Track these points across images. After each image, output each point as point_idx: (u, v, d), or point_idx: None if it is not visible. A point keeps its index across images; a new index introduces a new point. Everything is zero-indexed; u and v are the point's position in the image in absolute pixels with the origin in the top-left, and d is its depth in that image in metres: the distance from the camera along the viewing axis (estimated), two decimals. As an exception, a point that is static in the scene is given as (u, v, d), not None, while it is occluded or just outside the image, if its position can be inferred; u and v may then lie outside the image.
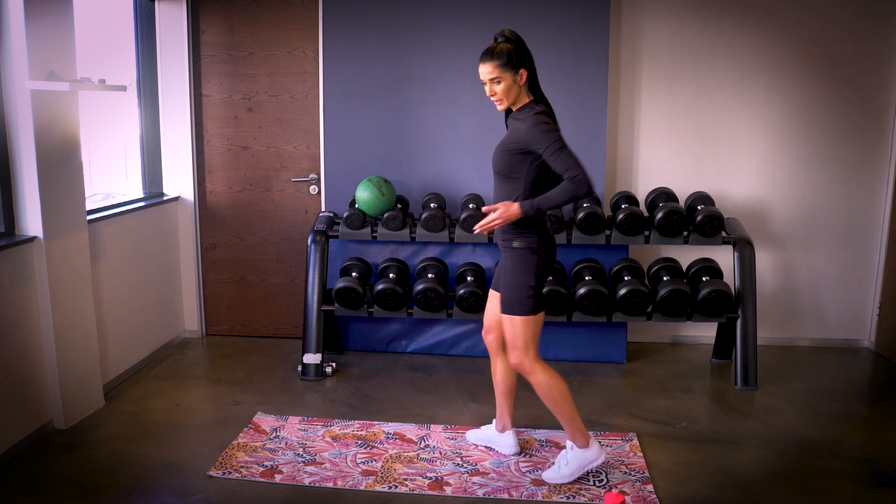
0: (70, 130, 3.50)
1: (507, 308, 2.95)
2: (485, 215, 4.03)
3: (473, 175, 4.58)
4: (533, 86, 2.90)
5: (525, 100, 2.90)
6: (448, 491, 3.00)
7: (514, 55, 2.81)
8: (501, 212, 2.83)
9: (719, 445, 3.42)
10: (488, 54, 2.84)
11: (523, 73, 2.84)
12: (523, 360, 2.97)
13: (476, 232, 2.90)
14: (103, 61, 4.42)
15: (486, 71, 2.84)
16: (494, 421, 3.38)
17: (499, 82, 2.84)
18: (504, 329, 3.01)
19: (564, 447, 3.29)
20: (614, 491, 2.87)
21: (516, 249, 2.93)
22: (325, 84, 4.58)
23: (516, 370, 3.08)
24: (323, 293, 4.24)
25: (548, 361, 4.30)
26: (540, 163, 2.86)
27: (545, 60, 4.45)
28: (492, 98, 2.90)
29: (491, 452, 3.33)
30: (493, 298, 3.18)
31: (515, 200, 2.88)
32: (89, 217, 3.79)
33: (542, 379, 2.98)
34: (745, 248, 4.16)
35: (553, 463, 3.17)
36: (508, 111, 3.01)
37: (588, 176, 2.76)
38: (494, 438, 3.35)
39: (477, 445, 3.40)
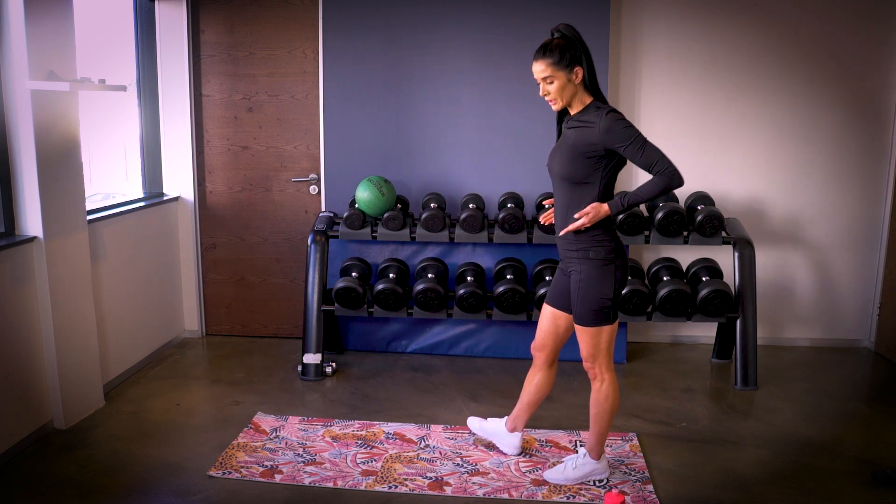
0: (70, 130, 3.50)
1: (585, 320, 2.85)
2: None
3: (473, 175, 4.59)
4: (592, 84, 2.75)
5: (586, 100, 2.76)
6: (448, 491, 3.00)
7: (567, 52, 2.68)
8: (592, 214, 2.73)
9: (719, 445, 3.42)
10: (542, 51, 2.72)
11: (579, 71, 2.70)
12: (598, 367, 2.94)
13: (562, 234, 2.81)
14: (103, 61, 4.42)
15: (539, 69, 2.71)
16: (506, 418, 3.34)
17: (552, 81, 2.71)
18: (580, 339, 2.93)
19: (570, 449, 3.31)
20: (614, 491, 2.86)
21: (593, 260, 2.79)
22: (325, 84, 4.58)
23: (588, 372, 3.00)
24: (323, 293, 4.24)
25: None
26: (614, 164, 2.76)
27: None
28: (545, 98, 2.77)
29: (491, 452, 3.33)
30: (550, 317, 3.05)
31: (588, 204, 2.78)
32: (89, 217, 3.79)
33: (606, 390, 2.97)
34: (745, 248, 4.16)
35: (557, 463, 3.17)
36: (563, 113, 2.88)
37: (677, 168, 2.69)
38: (500, 434, 3.31)
39: (476, 446, 3.39)
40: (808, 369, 4.46)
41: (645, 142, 2.68)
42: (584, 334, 2.89)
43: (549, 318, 3.06)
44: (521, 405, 3.25)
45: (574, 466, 3.06)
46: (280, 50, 4.65)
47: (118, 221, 4.13)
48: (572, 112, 2.81)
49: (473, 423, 3.41)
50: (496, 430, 3.34)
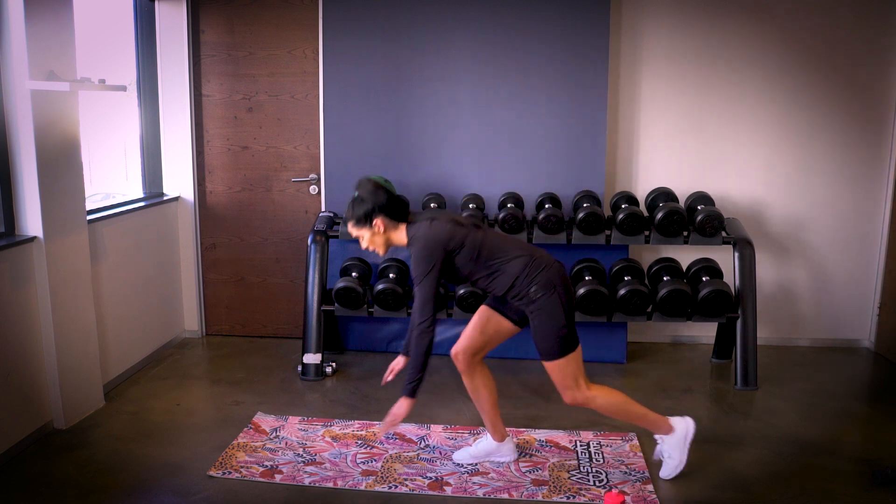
0: (70, 130, 3.50)
1: (552, 354, 2.88)
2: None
3: (473, 175, 4.59)
4: (401, 216, 2.88)
5: (403, 237, 2.90)
6: (448, 491, 3.00)
7: (361, 212, 2.85)
8: (396, 415, 2.89)
9: (719, 445, 3.42)
10: (346, 215, 2.93)
11: (378, 223, 2.85)
12: (578, 395, 2.94)
13: (383, 432, 3.01)
14: (103, 61, 4.42)
15: (349, 231, 2.93)
16: (487, 435, 3.27)
17: (363, 237, 2.91)
18: (552, 375, 2.94)
19: (570, 449, 3.30)
20: (614, 491, 2.87)
21: (537, 300, 2.83)
22: (325, 84, 4.58)
23: (575, 405, 3.01)
24: (323, 293, 4.24)
25: (548, 361, 4.33)
26: (443, 267, 2.83)
27: (545, 60, 4.47)
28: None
29: (491, 452, 3.33)
30: (486, 319, 3.09)
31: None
32: (89, 217, 3.79)
33: (602, 403, 2.98)
34: (745, 248, 4.16)
35: (660, 459, 3.17)
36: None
37: (429, 325, 2.78)
38: (492, 450, 3.25)
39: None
40: (808, 369, 4.46)
41: (421, 281, 2.80)
42: (555, 369, 2.91)
43: (493, 323, 3.09)
44: (487, 414, 3.21)
45: (669, 455, 3.09)
46: (280, 50, 4.65)
47: (118, 221, 4.13)
48: (405, 246, 2.92)
49: (462, 456, 3.27)
50: (487, 448, 3.26)
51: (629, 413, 3.03)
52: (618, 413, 3.04)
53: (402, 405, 2.89)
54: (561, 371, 2.90)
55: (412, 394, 2.87)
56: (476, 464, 3.22)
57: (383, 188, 2.86)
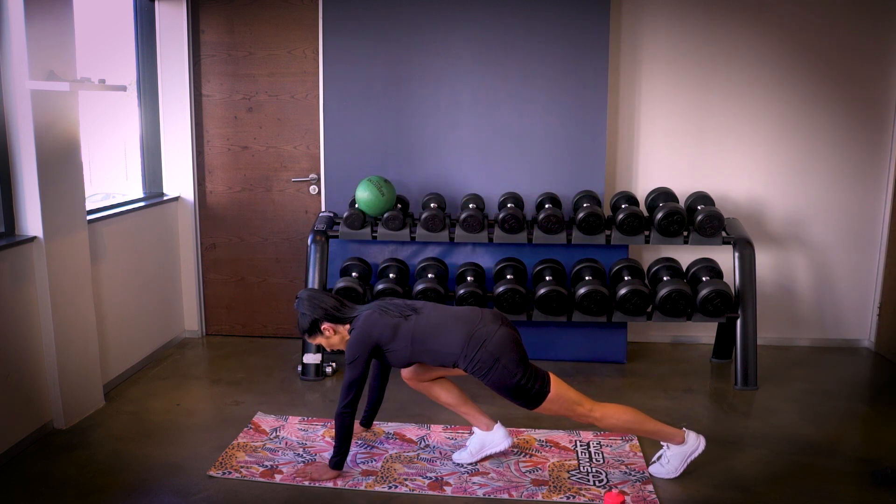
0: (70, 130, 3.50)
1: (530, 405, 2.93)
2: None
3: (473, 175, 4.59)
4: (343, 318, 3.09)
5: (346, 335, 3.11)
6: (448, 491, 3.00)
7: (308, 324, 3.09)
8: (313, 476, 3.06)
9: (719, 445, 3.42)
10: (300, 330, 3.17)
11: (326, 328, 3.09)
12: (582, 413, 2.96)
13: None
14: (103, 61, 4.42)
15: (308, 339, 3.17)
16: (475, 429, 3.28)
17: (320, 342, 3.15)
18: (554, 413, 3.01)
19: (570, 449, 3.31)
20: (614, 491, 2.87)
21: (485, 374, 2.90)
22: (325, 84, 4.58)
23: (584, 423, 3.08)
24: (323, 293, 4.23)
25: (548, 362, 4.35)
26: (378, 353, 3.04)
27: (546, 60, 4.47)
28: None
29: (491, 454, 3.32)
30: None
31: None
32: (89, 217, 3.79)
33: (609, 420, 2.99)
34: (745, 248, 4.16)
35: (659, 457, 3.18)
36: None
37: (348, 408, 2.98)
38: (485, 441, 3.26)
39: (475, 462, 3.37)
40: (808, 369, 4.46)
41: (349, 364, 2.98)
42: (546, 410, 2.94)
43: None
44: (460, 410, 3.27)
45: (667, 460, 3.11)
46: (280, 50, 4.65)
47: (118, 221, 4.13)
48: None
49: (462, 456, 3.26)
50: (479, 441, 3.26)
51: (643, 429, 3.06)
52: (630, 430, 3.07)
53: (323, 472, 3.07)
54: (553, 408, 2.94)
55: (338, 466, 3.07)
56: (476, 462, 3.22)
57: (319, 297, 3.11)
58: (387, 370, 3.38)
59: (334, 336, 3.12)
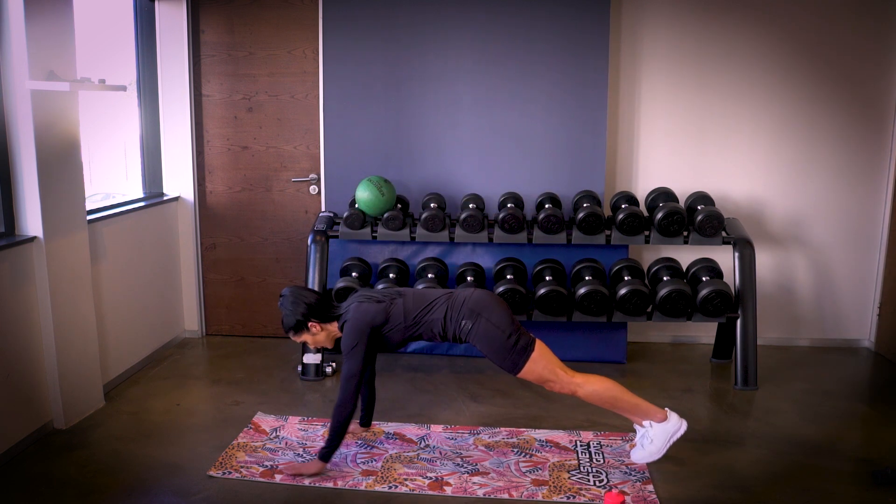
0: (70, 130, 3.50)
1: (512, 369, 3.01)
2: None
3: (473, 175, 4.59)
4: (329, 315, 3.14)
5: (335, 331, 3.16)
6: (448, 491, 3.00)
7: (295, 322, 3.10)
8: (301, 471, 3.07)
9: (719, 445, 3.42)
10: (284, 330, 3.18)
11: (312, 326, 3.12)
12: (560, 386, 3.01)
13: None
14: (103, 61, 4.42)
15: (294, 339, 3.19)
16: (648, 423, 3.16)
17: (305, 341, 3.17)
18: (528, 380, 3.06)
19: (570, 449, 3.30)
20: (614, 491, 2.87)
21: (469, 331, 3.01)
22: (325, 84, 4.58)
23: (563, 395, 3.10)
24: (323, 293, 4.24)
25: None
26: (370, 346, 3.09)
27: (546, 60, 4.47)
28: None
29: (491, 452, 3.33)
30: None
31: None
32: (89, 217, 3.79)
33: (588, 391, 3.02)
34: (745, 248, 4.16)
35: (635, 444, 3.18)
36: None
37: (348, 401, 3.00)
38: (664, 431, 3.11)
39: (476, 446, 3.39)
40: (808, 369, 4.46)
41: (348, 354, 3.03)
42: (525, 375, 3.01)
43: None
44: (625, 408, 3.17)
45: (650, 440, 3.10)
46: (280, 50, 4.65)
47: (118, 221, 4.13)
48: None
49: (640, 455, 3.17)
50: (656, 434, 3.14)
51: (618, 400, 3.06)
52: (606, 401, 3.06)
53: (312, 465, 3.08)
54: (532, 374, 2.99)
55: (325, 458, 3.07)
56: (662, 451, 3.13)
57: (303, 294, 3.10)
58: (372, 369, 3.42)
59: (321, 333, 3.15)
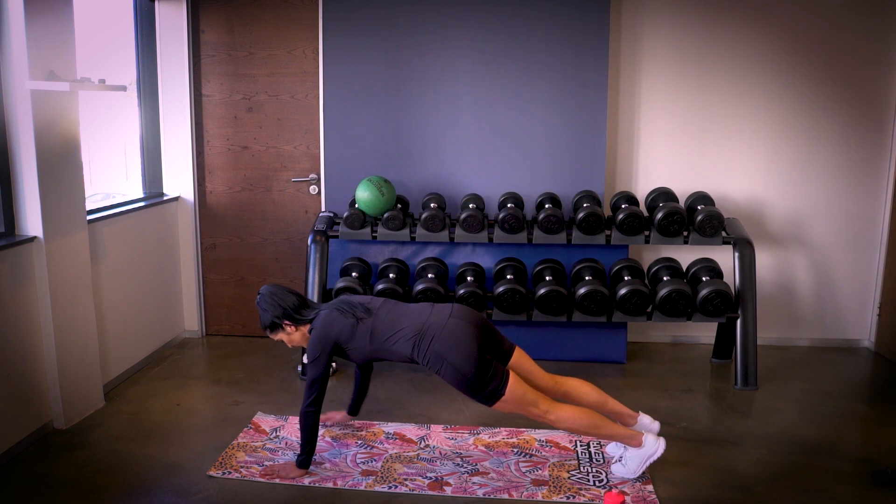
0: (70, 130, 3.50)
1: (486, 403, 2.94)
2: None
3: (473, 175, 4.59)
4: (303, 316, 3.12)
5: (307, 333, 3.15)
6: (448, 491, 3.00)
7: (270, 321, 3.12)
8: (281, 475, 3.07)
9: (719, 445, 3.42)
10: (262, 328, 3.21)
11: (286, 325, 3.13)
12: (536, 413, 2.96)
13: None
14: (103, 61, 4.42)
15: (270, 336, 3.21)
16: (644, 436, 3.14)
17: (281, 340, 3.18)
18: (510, 412, 3.04)
19: (570, 449, 3.32)
20: (614, 491, 2.87)
21: (437, 371, 2.93)
22: (325, 84, 4.58)
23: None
24: (323, 293, 4.24)
25: (548, 362, 4.34)
26: (338, 350, 3.11)
27: (545, 60, 4.47)
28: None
29: (491, 452, 3.33)
30: (516, 370, 3.09)
31: None
32: (89, 217, 3.79)
33: (565, 421, 2.97)
34: (745, 248, 4.16)
35: (619, 458, 3.19)
36: None
37: (313, 405, 3.02)
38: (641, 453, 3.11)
39: (476, 446, 3.39)
40: (808, 369, 4.46)
41: (310, 363, 3.04)
42: (502, 408, 2.96)
43: (517, 367, 3.15)
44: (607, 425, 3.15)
45: (624, 464, 3.12)
46: (280, 50, 4.65)
47: (118, 221, 4.13)
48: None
49: (621, 470, 3.16)
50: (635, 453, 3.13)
51: (599, 433, 3.05)
52: (587, 433, 3.05)
53: (290, 470, 3.09)
54: (510, 406, 2.95)
55: (304, 465, 3.09)
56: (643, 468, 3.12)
57: (279, 294, 3.11)
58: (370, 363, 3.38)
59: (295, 333, 3.15)
